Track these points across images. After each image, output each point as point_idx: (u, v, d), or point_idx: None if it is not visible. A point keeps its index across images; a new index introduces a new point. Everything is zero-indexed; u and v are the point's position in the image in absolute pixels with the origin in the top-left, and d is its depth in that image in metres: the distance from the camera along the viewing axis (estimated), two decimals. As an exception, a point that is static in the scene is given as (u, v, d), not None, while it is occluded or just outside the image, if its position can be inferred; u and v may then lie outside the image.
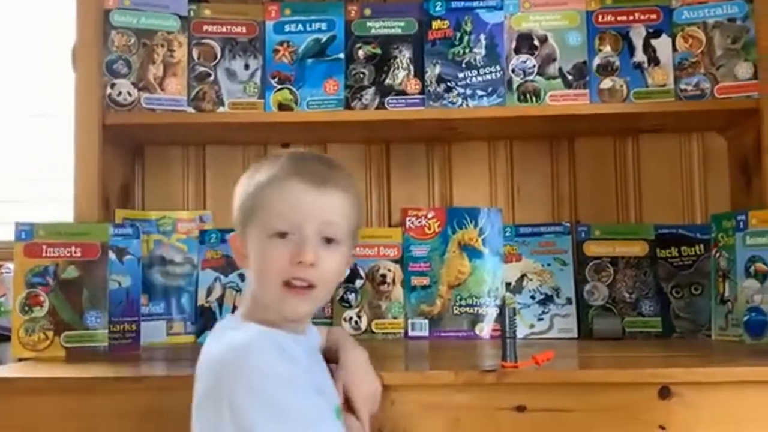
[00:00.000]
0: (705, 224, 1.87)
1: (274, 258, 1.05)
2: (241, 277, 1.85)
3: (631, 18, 1.79)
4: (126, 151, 1.96)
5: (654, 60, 1.77)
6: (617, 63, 1.78)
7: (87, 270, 1.59)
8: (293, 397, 0.98)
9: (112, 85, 1.76)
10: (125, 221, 1.79)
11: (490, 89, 1.79)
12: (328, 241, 1.08)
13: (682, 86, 1.76)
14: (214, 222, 1.94)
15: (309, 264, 1.04)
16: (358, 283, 1.86)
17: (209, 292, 1.85)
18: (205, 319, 1.84)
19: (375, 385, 1.20)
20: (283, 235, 1.05)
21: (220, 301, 1.84)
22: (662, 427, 1.24)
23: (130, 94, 1.77)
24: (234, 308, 1.84)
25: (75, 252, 1.58)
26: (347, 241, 1.12)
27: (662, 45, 1.78)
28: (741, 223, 1.67)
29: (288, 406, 0.97)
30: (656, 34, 1.78)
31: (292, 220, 1.06)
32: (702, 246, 1.83)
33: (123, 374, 1.35)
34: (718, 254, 1.75)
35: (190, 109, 1.80)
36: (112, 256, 1.63)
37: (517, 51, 1.80)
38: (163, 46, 1.80)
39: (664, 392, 1.24)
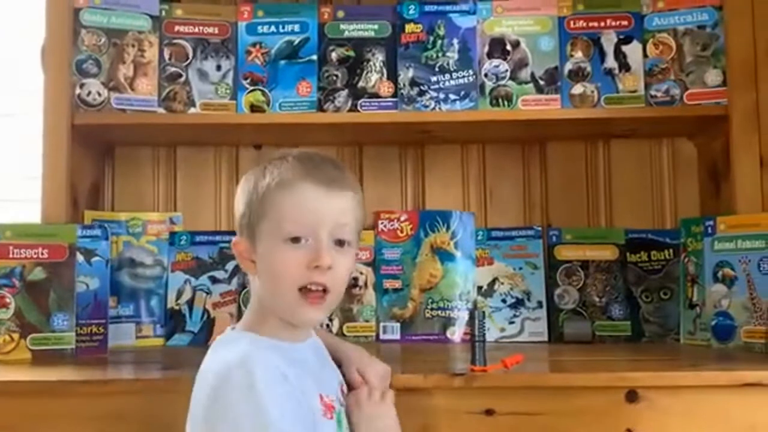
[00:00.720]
0: (674, 229, 1.89)
1: (290, 264, 1.04)
2: (212, 279, 1.84)
3: (603, 24, 1.81)
4: (96, 151, 1.94)
5: (625, 66, 1.79)
6: (588, 69, 1.79)
7: (54, 272, 1.56)
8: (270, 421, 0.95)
9: (82, 85, 1.75)
10: (94, 222, 1.77)
11: (462, 93, 1.79)
12: (340, 243, 1.07)
13: (653, 92, 1.78)
14: (185, 224, 1.92)
15: (326, 268, 1.03)
16: (330, 286, 1.86)
17: (179, 294, 1.84)
18: (174, 322, 1.82)
19: (383, 365, 1.20)
20: (296, 239, 1.04)
21: (190, 303, 1.83)
22: (629, 431, 1.25)
23: (99, 94, 1.75)
24: (204, 311, 1.83)
25: (42, 253, 1.56)
26: (356, 242, 1.11)
27: (633, 51, 1.79)
28: (709, 229, 1.68)
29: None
30: (627, 40, 1.80)
31: (306, 224, 1.04)
32: (671, 251, 1.84)
33: (89, 377, 1.33)
34: (686, 259, 1.76)
35: (161, 110, 1.78)
36: (79, 257, 1.61)
37: (490, 55, 1.81)
38: (133, 45, 1.78)
39: (632, 396, 1.25)
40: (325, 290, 1.05)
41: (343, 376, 1.17)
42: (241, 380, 0.96)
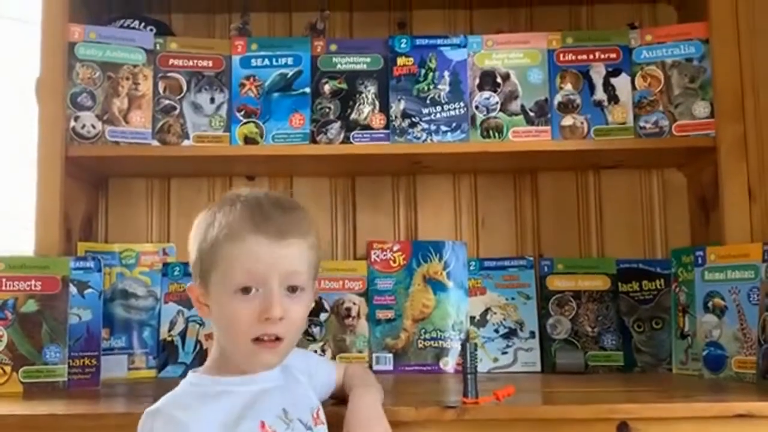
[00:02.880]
0: (665, 259, 1.90)
1: (241, 316, 1.05)
2: (205, 310, 1.84)
3: (592, 57, 1.83)
4: (89, 183, 1.95)
5: (614, 98, 1.81)
6: (578, 101, 1.81)
7: (47, 304, 1.56)
8: None
9: (76, 118, 1.76)
10: (87, 254, 1.78)
11: (454, 125, 1.81)
12: (293, 290, 1.08)
13: (641, 124, 1.80)
14: (178, 255, 1.92)
15: (277, 318, 1.04)
16: (323, 316, 1.86)
17: (172, 325, 1.84)
18: (167, 353, 1.82)
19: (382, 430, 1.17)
20: (246, 290, 1.05)
21: (183, 334, 1.83)
22: (621, 463, 1.25)
23: (94, 127, 1.77)
24: (197, 342, 1.82)
25: (35, 286, 1.56)
26: (309, 287, 1.12)
27: (621, 83, 1.81)
28: (699, 259, 1.70)
29: None
30: (616, 72, 1.82)
31: (256, 275, 1.05)
32: (663, 280, 1.85)
33: (81, 411, 1.33)
34: (678, 289, 1.77)
35: (155, 142, 1.80)
36: (73, 289, 1.61)
37: (481, 88, 1.83)
38: (128, 79, 1.80)
39: (623, 428, 1.25)
40: (278, 338, 1.07)
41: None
42: (141, 428, 1.04)
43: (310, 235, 1.11)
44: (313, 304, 1.18)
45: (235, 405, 1.05)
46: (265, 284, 1.05)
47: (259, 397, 1.08)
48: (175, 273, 1.87)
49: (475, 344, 1.33)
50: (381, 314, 1.87)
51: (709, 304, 1.66)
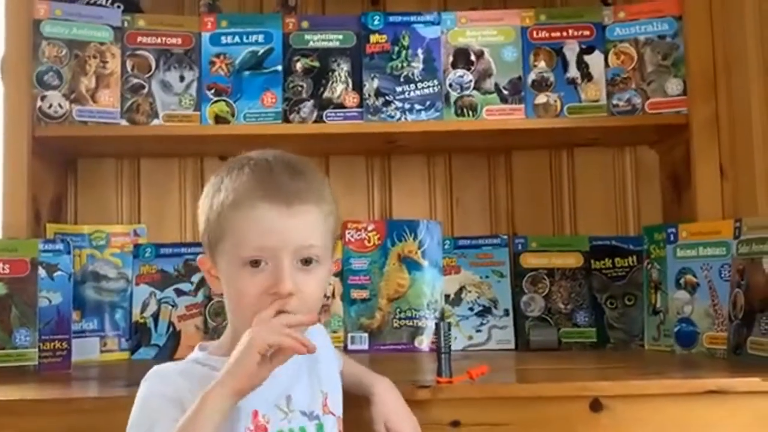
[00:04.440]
0: (638, 236, 1.91)
1: (249, 290, 0.97)
2: (177, 292, 1.82)
3: (565, 34, 1.82)
4: (58, 163, 1.92)
5: (587, 76, 1.81)
6: (552, 78, 1.81)
7: (15, 287, 1.54)
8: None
9: (43, 98, 1.72)
10: (56, 236, 1.75)
11: (427, 103, 1.80)
12: (307, 262, 1.00)
13: (614, 101, 1.80)
14: (149, 236, 1.91)
15: (287, 294, 0.96)
16: (297, 296, 1.85)
17: (144, 307, 1.82)
18: (139, 336, 1.80)
19: (412, 423, 1.16)
20: (255, 263, 0.97)
21: (155, 317, 1.81)
22: (594, 440, 1.26)
23: (61, 106, 1.73)
24: (170, 324, 1.81)
25: (3, 269, 1.53)
26: (326, 258, 1.03)
27: (595, 61, 1.81)
28: (671, 236, 1.71)
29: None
30: (589, 50, 1.82)
31: (265, 248, 0.97)
32: (635, 257, 1.86)
33: (52, 396, 1.31)
34: (650, 266, 1.79)
35: (124, 122, 1.77)
36: (42, 272, 1.59)
37: (454, 66, 1.82)
38: (95, 57, 1.76)
39: (596, 405, 1.26)
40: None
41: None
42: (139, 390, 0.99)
43: (325, 200, 1.03)
44: (331, 278, 1.09)
45: None
46: (275, 257, 0.97)
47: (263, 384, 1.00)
48: (147, 254, 1.85)
49: (449, 324, 1.33)
50: (356, 294, 1.86)
51: (681, 281, 1.67)
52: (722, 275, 1.60)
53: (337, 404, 1.12)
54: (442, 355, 1.29)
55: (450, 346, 1.30)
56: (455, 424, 1.25)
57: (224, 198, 1.00)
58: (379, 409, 1.15)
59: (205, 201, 1.05)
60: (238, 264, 0.98)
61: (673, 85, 1.78)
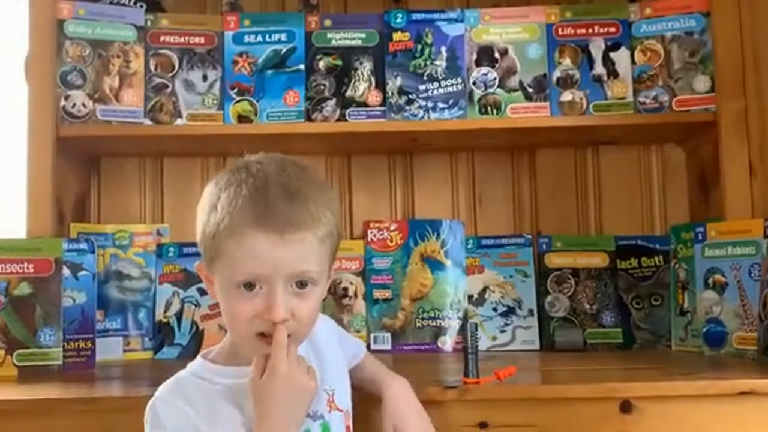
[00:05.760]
0: (664, 235, 1.89)
1: (243, 313, 0.97)
2: (200, 291, 1.82)
3: (591, 31, 1.80)
4: (81, 163, 1.92)
5: (613, 73, 1.79)
6: (577, 76, 1.79)
7: (40, 286, 1.54)
8: None
9: (67, 97, 1.73)
10: (80, 236, 1.76)
11: (451, 102, 1.78)
12: (302, 285, 0.99)
13: (641, 99, 1.77)
14: (172, 235, 1.90)
15: (281, 322, 0.96)
16: (320, 296, 1.84)
17: (167, 307, 1.82)
18: (163, 335, 1.80)
19: (423, 425, 1.15)
20: (250, 286, 0.97)
21: (179, 316, 1.81)
22: (623, 442, 1.24)
23: (85, 106, 1.73)
24: (193, 323, 1.81)
25: (27, 268, 1.54)
26: (323, 277, 1.03)
27: (621, 58, 1.79)
28: (699, 235, 1.68)
29: None
30: (615, 47, 1.80)
31: (258, 275, 0.96)
32: (661, 257, 1.84)
33: (77, 395, 1.31)
34: (677, 265, 1.76)
35: (147, 121, 1.77)
36: (66, 272, 1.59)
37: (478, 63, 1.80)
38: (119, 56, 1.77)
39: (626, 407, 1.24)
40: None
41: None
42: (148, 413, 1.01)
43: (322, 222, 1.00)
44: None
45: (233, 401, 1.01)
46: (269, 283, 0.96)
47: None
48: (170, 254, 1.84)
49: (476, 324, 1.32)
50: (378, 294, 1.85)
51: (710, 281, 1.65)
52: (752, 275, 1.57)
53: (344, 399, 1.12)
54: (469, 356, 1.28)
55: (477, 346, 1.29)
56: (483, 425, 1.24)
57: (219, 220, 0.98)
58: (390, 410, 1.15)
59: (201, 212, 1.03)
60: (233, 285, 0.98)
61: (701, 82, 1.76)
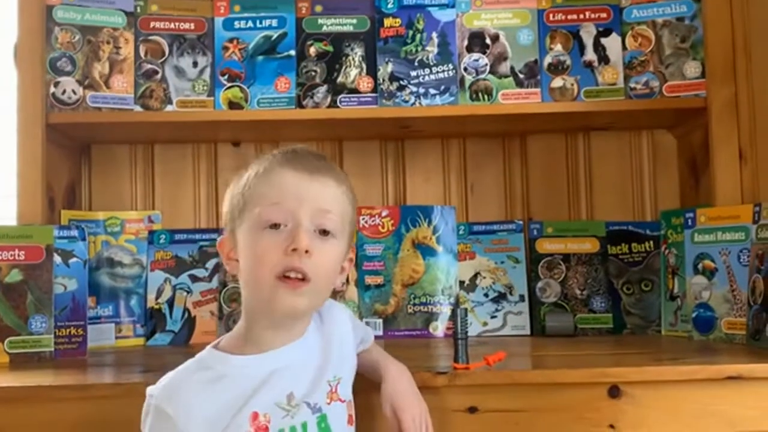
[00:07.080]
0: (655, 221, 1.90)
1: (267, 249, 1.01)
2: (192, 278, 1.82)
3: (582, 17, 1.80)
4: (72, 150, 1.91)
5: (604, 59, 1.79)
6: (568, 62, 1.79)
7: (31, 273, 1.54)
8: None
9: (56, 84, 1.72)
10: (71, 222, 1.75)
11: (442, 88, 1.78)
12: (323, 233, 1.03)
13: (632, 85, 1.78)
14: (164, 222, 1.91)
15: (303, 251, 0.99)
16: (312, 282, 1.84)
17: (159, 293, 1.82)
18: (155, 322, 1.81)
19: (420, 405, 1.16)
20: (275, 226, 1.01)
21: (171, 303, 1.81)
22: (612, 426, 1.25)
23: (74, 92, 1.73)
24: (185, 310, 1.81)
25: (18, 255, 1.54)
26: (342, 237, 1.06)
27: (612, 44, 1.79)
28: (689, 221, 1.69)
29: None
30: (606, 32, 1.80)
31: (285, 207, 1.02)
32: (652, 242, 1.85)
33: (68, 382, 1.31)
34: (667, 251, 1.77)
35: (137, 108, 1.76)
36: (57, 258, 1.59)
37: (469, 49, 1.80)
38: (108, 42, 1.76)
39: (614, 391, 1.25)
40: (304, 279, 1.00)
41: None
42: (145, 408, 1.02)
43: (344, 184, 1.09)
44: (347, 265, 1.13)
45: (232, 393, 1.01)
46: (294, 218, 1.01)
47: (265, 381, 1.02)
48: (161, 241, 1.85)
49: (466, 309, 1.32)
50: (370, 280, 1.86)
51: (699, 266, 1.66)
52: (741, 260, 1.58)
53: (347, 388, 1.13)
54: (459, 341, 1.28)
55: (467, 332, 1.30)
56: (472, 410, 1.25)
57: (251, 173, 1.07)
58: (388, 391, 1.16)
59: (230, 188, 1.10)
60: (259, 228, 1.02)
61: (692, 68, 1.76)
